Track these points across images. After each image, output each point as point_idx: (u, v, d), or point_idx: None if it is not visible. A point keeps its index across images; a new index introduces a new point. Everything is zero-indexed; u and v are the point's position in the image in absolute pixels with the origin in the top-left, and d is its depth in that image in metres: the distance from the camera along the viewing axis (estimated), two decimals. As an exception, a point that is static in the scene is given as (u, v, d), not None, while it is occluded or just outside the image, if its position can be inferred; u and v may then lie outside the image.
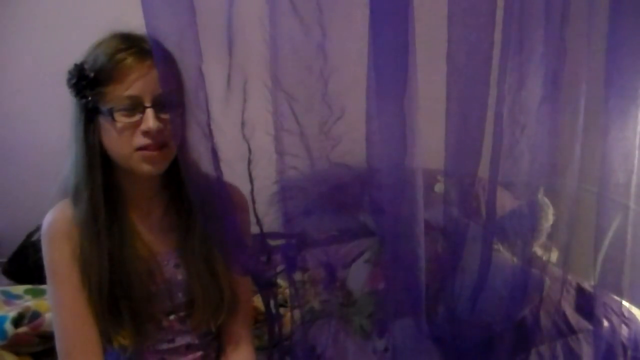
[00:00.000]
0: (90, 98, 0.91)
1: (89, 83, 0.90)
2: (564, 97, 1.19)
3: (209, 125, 0.90)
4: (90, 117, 0.93)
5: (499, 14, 1.04)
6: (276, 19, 0.91)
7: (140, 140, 0.91)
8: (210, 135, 0.91)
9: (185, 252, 1.04)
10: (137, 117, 0.91)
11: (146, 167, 0.94)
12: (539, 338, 1.45)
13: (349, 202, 1.21)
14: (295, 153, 0.98)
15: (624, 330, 1.50)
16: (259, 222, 1.02)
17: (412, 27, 0.96)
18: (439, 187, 1.41)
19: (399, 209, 1.10)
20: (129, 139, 0.91)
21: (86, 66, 0.91)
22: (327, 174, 1.06)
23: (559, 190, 1.31)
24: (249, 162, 0.97)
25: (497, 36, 1.04)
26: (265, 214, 1.02)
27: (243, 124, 0.94)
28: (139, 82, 0.90)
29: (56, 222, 0.98)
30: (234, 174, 0.98)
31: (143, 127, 0.90)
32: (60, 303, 0.99)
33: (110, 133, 0.92)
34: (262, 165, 0.98)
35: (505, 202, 1.29)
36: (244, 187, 1.01)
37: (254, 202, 1.01)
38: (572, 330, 1.54)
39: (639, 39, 1.21)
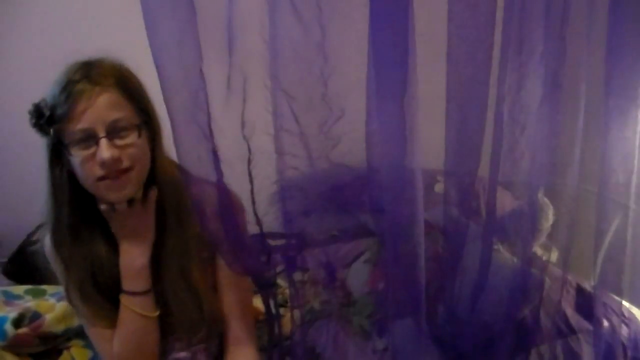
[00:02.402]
0: (52, 135, 0.92)
1: (47, 121, 0.92)
2: (564, 97, 1.19)
3: (209, 125, 0.90)
4: (57, 152, 0.95)
5: (499, 13, 1.04)
6: (276, 19, 0.91)
7: (98, 171, 0.92)
8: (210, 136, 0.91)
9: (160, 267, 1.05)
10: (93, 149, 0.91)
11: (112, 195, 0.96)
12: (539, 338, 1.45)
13: (349, 202, 1.21)
14: (295, 153, 0.98)
15: (624, 330, 1.50)
16: (258, 222, 1.02)
17: (412, 26, 0.96)
18: (439, 187, 1.41)
19: (399, 209, 1.10)
20: (91, 170, 0.93)
21: (42, 104, 0.93)
22: (327, 174, 1.06)
23: (559, 190, 1.31)
24: (249, 162, 0.97)
25: (497, 36, 1.04)
26: (265, 214, 1.02)
27: (243, 124, 0.94)
28: (88, 113, 0.90)
29: (46, 245, 1.04)
30: (234, 174, 0.98)
31: (97, 158, 0.91)
32: None
33: (75, 166, 0.94)
34: (262, 165, 0.98)
35: (505, 202, 1.28)
36: (244, 187, 1.00)
37: (253, 202, 1.01)
38: (572, 330, 1.54)
39: (639, 39, 1.20)
